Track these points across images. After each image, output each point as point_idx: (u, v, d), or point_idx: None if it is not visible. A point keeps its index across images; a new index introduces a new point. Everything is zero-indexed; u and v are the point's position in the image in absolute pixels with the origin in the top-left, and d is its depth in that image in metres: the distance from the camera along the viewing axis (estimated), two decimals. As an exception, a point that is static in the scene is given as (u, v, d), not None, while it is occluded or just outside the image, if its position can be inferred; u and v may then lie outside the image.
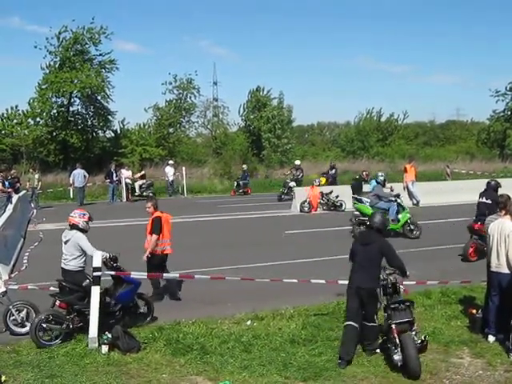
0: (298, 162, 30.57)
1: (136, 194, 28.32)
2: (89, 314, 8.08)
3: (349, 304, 7.60)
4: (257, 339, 8.04)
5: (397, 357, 6.91)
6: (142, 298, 9.15)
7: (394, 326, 7.09)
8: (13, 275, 11.80)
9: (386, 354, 7.37)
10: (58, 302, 8.33)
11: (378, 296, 7.57)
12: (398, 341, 6.96)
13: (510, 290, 7.57)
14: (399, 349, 6.93)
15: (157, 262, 10.16)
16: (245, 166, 32.01)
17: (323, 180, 27.52)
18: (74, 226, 8.66)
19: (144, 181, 28.89)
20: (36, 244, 15.46)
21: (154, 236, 10.10)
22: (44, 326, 8.03)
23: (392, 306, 7.29)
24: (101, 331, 7.90)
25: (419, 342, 7.06)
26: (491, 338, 7.93)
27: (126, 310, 8.77)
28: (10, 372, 6.99)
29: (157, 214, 10.31)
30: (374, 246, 7.52)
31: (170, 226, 10.57)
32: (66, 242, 8.63)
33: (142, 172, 30.45)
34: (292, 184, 26.69)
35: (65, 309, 8.34)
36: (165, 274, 9.79)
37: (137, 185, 28.63)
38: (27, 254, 14.16)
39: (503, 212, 8.17)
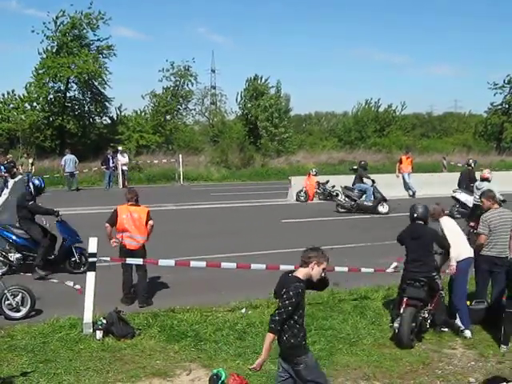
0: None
1: None
2: None
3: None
4: (251, 327, 8.06)
5: (396, 324, 7.57)
6: None
7: (405, 298, 7.63)
8: None
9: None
10: None
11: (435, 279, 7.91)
12: (401, 311, 7.55)
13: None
14: (399, 318, 7.53)
15: (120, 254, 9.20)
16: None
17: None
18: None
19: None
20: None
21: None
22: None
23: (407, 282, 7.75)
24: None
25: (420, 319, 7.66)
26: (468, 333, 7.89)
27: None
28: (5, 356, 7.01)
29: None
30: (427, 238, 7.86)
31: (139, 219, 9.19)
32: None
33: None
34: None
35: None
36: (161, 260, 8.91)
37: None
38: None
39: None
